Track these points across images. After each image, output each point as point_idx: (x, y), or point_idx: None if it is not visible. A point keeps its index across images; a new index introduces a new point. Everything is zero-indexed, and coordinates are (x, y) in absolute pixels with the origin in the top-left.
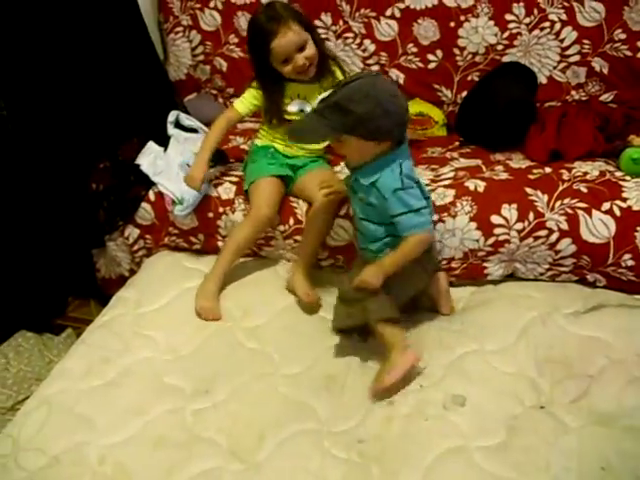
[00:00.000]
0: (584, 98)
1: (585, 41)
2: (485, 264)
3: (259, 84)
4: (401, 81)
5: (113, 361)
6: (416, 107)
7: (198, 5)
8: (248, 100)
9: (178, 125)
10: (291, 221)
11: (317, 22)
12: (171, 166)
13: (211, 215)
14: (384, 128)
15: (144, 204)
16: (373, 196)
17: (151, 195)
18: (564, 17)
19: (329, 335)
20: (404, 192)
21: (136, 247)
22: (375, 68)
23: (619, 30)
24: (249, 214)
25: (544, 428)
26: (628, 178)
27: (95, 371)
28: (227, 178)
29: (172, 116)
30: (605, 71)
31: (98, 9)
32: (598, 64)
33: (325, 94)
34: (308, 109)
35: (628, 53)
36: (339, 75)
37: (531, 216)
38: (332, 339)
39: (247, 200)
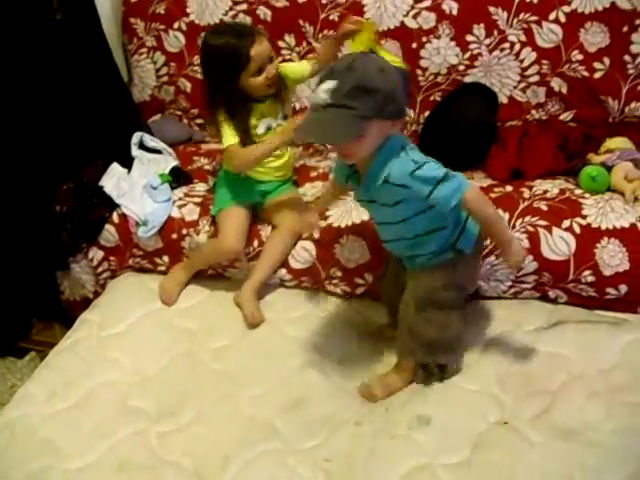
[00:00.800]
0: (544, 117)
1: (544, 61)
2: None
3: (226, 110)
4: None
5: (77, 384)
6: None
7: (162, 26)
8: (231, 133)
9: (142, 146)
10: (255, 243)
11: (281, 43)
12: (135, 188)
13: (175, 236)
14: (403, 102)
15: (108, 226)
16: (394, 193)
17: (115, 217)
18: (523, 38)
19: (294, 355)
20: (421, 170)
21: (100, 269)
22: None
23: (576, 51)
24: (216, 243)
25: (508, 444)
26: (587, 195)
27: (59, 394)
28: (191, 199)
29: (136, 137)
30: (564, 91)
31: (61, 31)
32: (557, 84)
33: (327, 85)
34: (274, 125)
35: (585, 74)
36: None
37: None
38: (297, 359)
39: (214, 224)
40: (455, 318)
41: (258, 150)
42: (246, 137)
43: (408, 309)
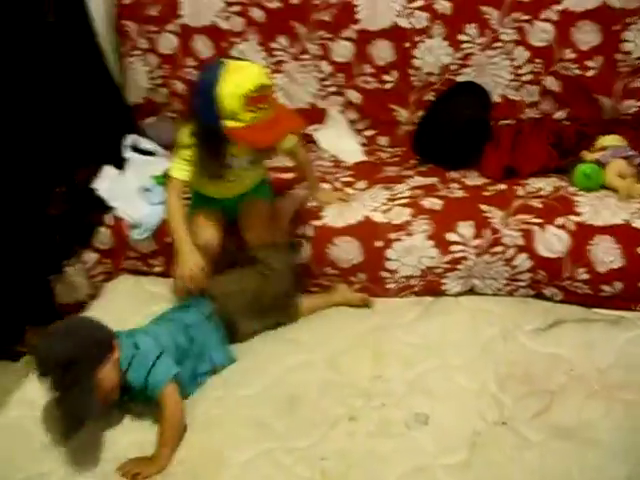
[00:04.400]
0: (538, 116)
1: (537, 60)
2: (443, 280)
3: (202, 140)
4: (358, 101)
5: None
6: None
7: (155, 28)
8: (184, 164)
9: (136, 149)
10: None
11: (273, 44)
12: (128, 190)
13: (169, 239)
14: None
15: (102, 228)
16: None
17: (109, 220)
18: (516, 37)
19: (288, 354)
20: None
21: (94, 272)
22: (332, 89)
23: (568, 50)
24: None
25: (507, 444)
26: (581, 193)
27: None
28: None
29: (129, 140)
30: (557, 89)
31: (53, 33)
32: (550, 82)
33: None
34: (242, 164)
35: (578, 72)
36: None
37: (487, 233)
38: (291, 359)
39: None
40: None
41: (173, 220)
42: (218, 169)
43: None
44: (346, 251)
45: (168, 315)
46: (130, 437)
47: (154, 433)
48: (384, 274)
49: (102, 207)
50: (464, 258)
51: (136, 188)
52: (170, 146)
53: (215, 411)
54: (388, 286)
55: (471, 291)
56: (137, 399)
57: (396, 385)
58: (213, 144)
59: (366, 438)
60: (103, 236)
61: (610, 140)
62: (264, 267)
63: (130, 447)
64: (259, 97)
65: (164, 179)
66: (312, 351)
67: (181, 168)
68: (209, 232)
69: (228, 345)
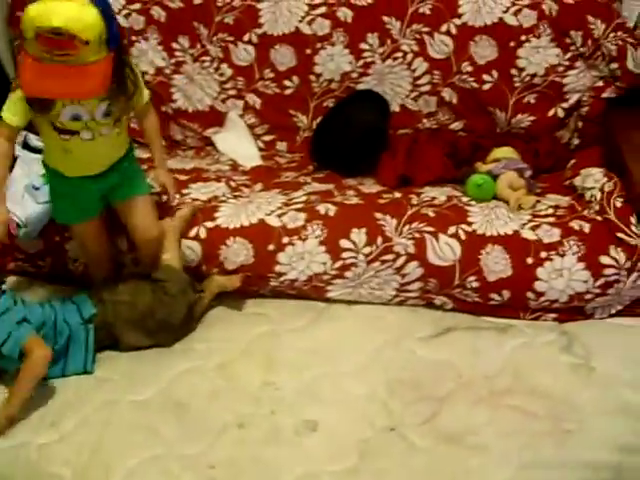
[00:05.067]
0: (435, 126)
1: (435, 72)
2: (328, 287)
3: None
4: (257, 106)
5: None
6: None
7: None
8: (18, 106)
9: (26, 146)
10: None
11: (174, 44)
12: (16, 188)
13: (58, 239)
14: None
15: None
16: None
17: None
18: (416, 48)
19: (177, 360)
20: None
21: None
22: (232, 92)
23: (466, 63)
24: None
25: (395, 450)
26: (474, 203)
27: None
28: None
29: (20, 136)
30: (454, 101)
31: None
32: (448, 94)
33: None
34: (85, 116)
35: (475, 85)
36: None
37: (379, 240)
38: (181, 365)
39: None
40: None
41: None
42: (43, 116)
43: None
44: (237, 253)
45: (52, 302)
46: None
47: None
48: (270, 275)
49: None
50: (354, 265)
51: (24, 186)
52: None
53: (105, 414)
54: (271, 283)
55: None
56: None
57: (286, 392)
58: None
59: (255, 445)
60: None
61: (503, 152)
62: (160, 289)
63: None
64: (53, 41)
65: None
66: (203, 358)
67: (16, 111)
68: (94, 247)
69: (93, 354)
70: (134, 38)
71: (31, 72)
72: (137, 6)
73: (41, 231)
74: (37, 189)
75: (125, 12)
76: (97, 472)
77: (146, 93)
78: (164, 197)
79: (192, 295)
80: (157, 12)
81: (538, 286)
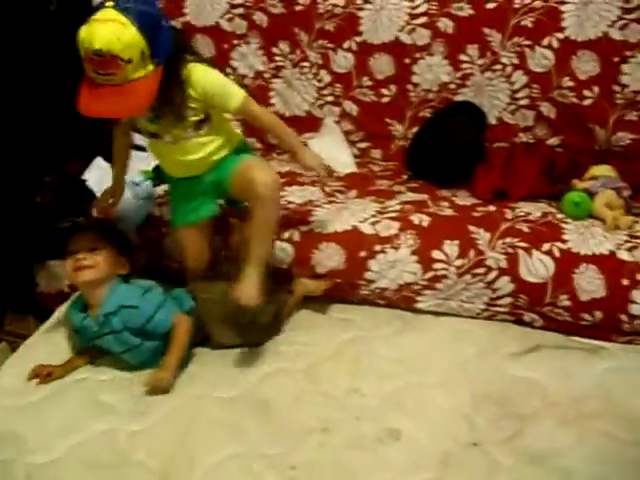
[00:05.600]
0: (531, 141)
1: (535, 86)
2: (418, 297)
3: None
4: (354, 113)
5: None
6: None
7: None
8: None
9: None
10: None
11: (275, 49)
12: None
13: (154, 235)
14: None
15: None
16: (122, 317)
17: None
18: (516, 61)
19: (265, 361)
20: (148, 293)
21: None
22: (329, 99)
23: (567, 78)
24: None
25: (477, 466)
26: (569, 220)
27: (29, 388)
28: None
29: None
30: (553, 116)
31: (54, 22)
32: (546, 109)
33: None
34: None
35: (575, 100)
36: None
37: (471, 253)
38: (269, 366)
39: None
40: None
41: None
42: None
43: None
44: (328, 257)
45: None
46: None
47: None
48: (361, 282)
49: (90, 198)
50: (445, 277)
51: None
52: None
53: (191, 409)
54: (361, 291)
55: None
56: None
57: (371, 399)
58: None
59: (337, 450)
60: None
61: (601, 170)
62: None
63: None
64: (97, 62)
65: (152, 174)
66: (290, 360)
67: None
68: (195, 252)
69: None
70: (236, 42)
71: (85, 92)
72: (240, 10)
73: (139, 226)
74: (137, 185)
75: (228, 16)
76: (182, 464)
77: (236, 98)
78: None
79: (281, 296)
80: (259, 17)
81: (633, 309)
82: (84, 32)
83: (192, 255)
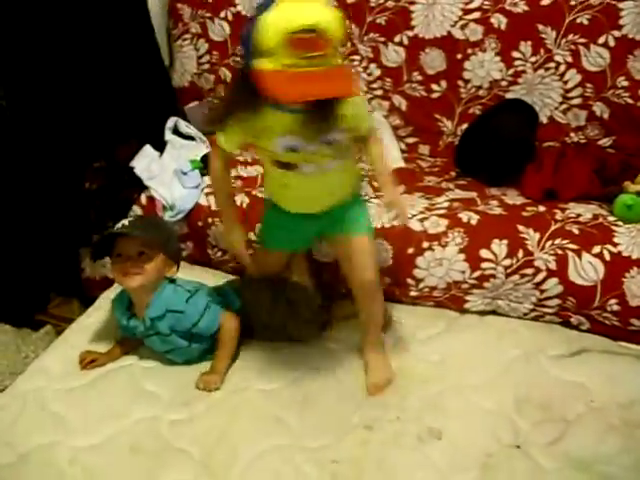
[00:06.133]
0: (583, 141)
1: (588, 85)
2: (467, 297)
3: (237, 91)
4: (403, 108)
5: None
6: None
7: (209, 14)
8: (233, 130)
9: (176, 131)
10: None
11: None
12: (165, 171)
13: (201, 224)
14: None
15: (135, 207)
16: (168, 321)
17: (143, 199)
18: (570, 59)
19: (310, 356)
20: (194, 297)
21: None
22: (378, 93)
23: (622, 77)
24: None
25: (519, 468)
26: (620, 223)
27: (74, 372)
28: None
29: (171, 122)
30: (605, 116)
31: (106, 9)
32: (599, 109)
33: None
34: (301, 146)
35: (630, 101)
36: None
37: (520, 253)
38: (313, 361)
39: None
40: None
41: (216, 188)
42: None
43: None
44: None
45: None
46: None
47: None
48: (409, 281)
49: (138, 185)
50: (493, 276)
51: (172, 170)
52: (210, 132)
53: (235, 400)
54: (411, 293)
55: (494, 312)
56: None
57: (413, 399)
58: (247, 97)
59: (379, 447)
60: (135, 215)
61: None
62: (294, 312)
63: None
64: (306, 41)
65: (201, 163)
66: (335, 357)
67: (231, 135)
68: (273, 271)
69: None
70: None
71: (281, 83)
72: None
73: (186, 215)
74: (185, 174)
75: None
76: (224, 454)
77: (370, 119)
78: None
79: (323, 316)
80: None
81: None
82: (282, 14)
83: (268, 271)
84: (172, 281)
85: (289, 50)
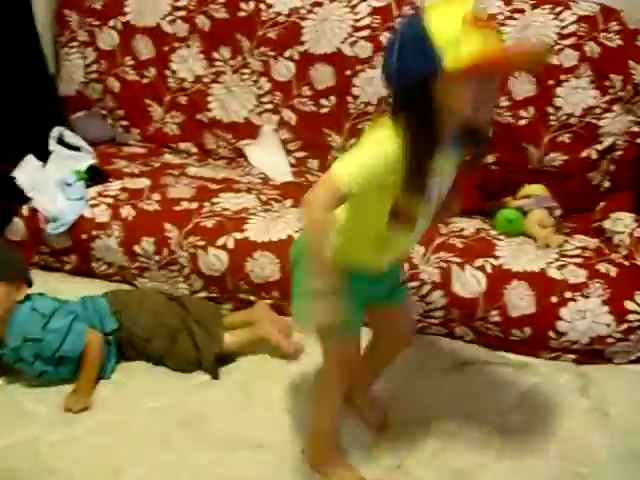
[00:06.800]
0: (467, 158)
1: None
2: None
3: (409, 114)
4: (292, 122)
5: None
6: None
7: (97, 22)
8: (363, 171)
9: (61, 142)
10: (165, 252)
11: (215, 54)
12: (48, 183)
13: (85, 237)
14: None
15: (16, 219)
16: (30, 349)
17: (25, 210)
18: None
19: (196, 374)
20: (52, 321)
21: None
22: (268, 107)
23: (504, 97)
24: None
25: None
26: (502, 237)
27: None
28: (103, 200)
29: (56, 132)
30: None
31: None
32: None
33: None
34: (436, 193)
35: (510, 120)
36: None
37: (405, 266)
38: (198, 378)
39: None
40: None
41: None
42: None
43: None
44: (262, 267)
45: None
46: None
47: None
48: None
49: (20, 197)
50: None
51: (56, 181)
52: (97, 143)
53: (121, 419)
54: None
55: None
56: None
57: None
58: (424, 111)
59: (271, 469)
60: (17, 227)
61: (534, 189)
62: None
63: None
64: (480, 21)
65: (86, 175)
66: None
67: (351, 174)
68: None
69: (114, 361)
70: (176, 45)
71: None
72: (182, 13)
73: (70, 227)
74: (69, 185)
75: (170, 18)
76: (107, 474)
77: None
78: None
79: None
80: (201, 21)
81: (560, 326)
82: (448, 8)
83: (354, 367)
84: (28, 297)
85: (471, 28)
